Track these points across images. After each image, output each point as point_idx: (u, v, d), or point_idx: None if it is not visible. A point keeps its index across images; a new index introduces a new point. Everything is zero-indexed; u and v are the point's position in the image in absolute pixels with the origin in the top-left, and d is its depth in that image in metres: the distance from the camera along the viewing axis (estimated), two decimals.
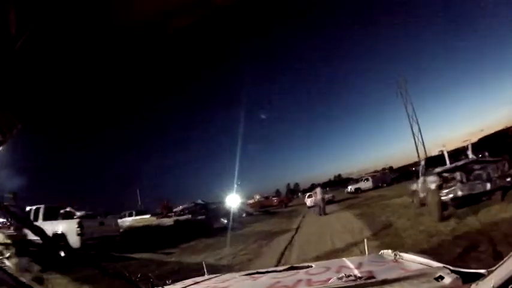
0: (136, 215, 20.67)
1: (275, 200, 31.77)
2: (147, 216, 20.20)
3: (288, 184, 60.83)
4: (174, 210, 25.44)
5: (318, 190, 17.19)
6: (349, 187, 30.10)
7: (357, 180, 32.27)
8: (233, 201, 22.26)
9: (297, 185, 59.97)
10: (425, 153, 35.01)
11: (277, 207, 29.44)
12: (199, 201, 25.20)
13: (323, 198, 16.85)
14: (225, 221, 17.51)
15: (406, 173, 30.21)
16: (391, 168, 39.94)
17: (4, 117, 0.90)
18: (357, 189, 28.58)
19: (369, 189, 27.82)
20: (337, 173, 57.81)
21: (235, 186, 22.69)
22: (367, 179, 30.14)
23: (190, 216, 17.88)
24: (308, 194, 26.32)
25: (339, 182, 50.34)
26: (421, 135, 36.09)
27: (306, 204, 25.28)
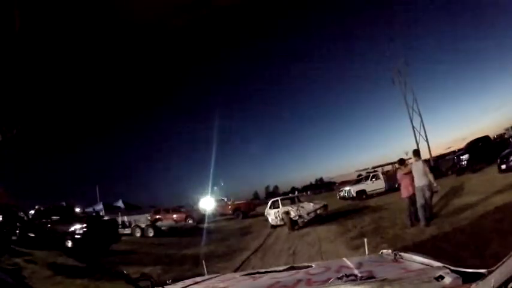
0: None
1: (229, 206, 21.28)
2: None
3: (267, 186, 58.11)
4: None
5: (419, 165, 7.38)
6: (346, 189, 19.80)
7: (357, 180, 21.56)
8: (207, 204, 19.54)
9: (276, 187, 57.63)
10: (429, 151, 31.57)
11: (230, 218, 19.74)
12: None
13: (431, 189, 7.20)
14: None
15: None
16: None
17: (4, 117, 0.91)
18: (360, 193, 18.61)
19: (379, 193, 18.36)
20: (319, 176, 55.27)
21: (210, 188, 18.91)
22: (375, 177, 19.53)
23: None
24: (272, 200, 14.54)
25: (321, 186, 48.04)
26: (424, 129, 30.58)
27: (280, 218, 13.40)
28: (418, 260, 1.40)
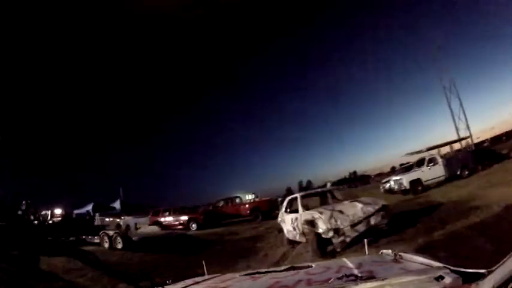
0: None
1: (246, 205, 16.53)
2: None
3: (300, 181, 55.87)
4: None
5: None
6: (396, 178, 15.09)
7: (407, 168, 16.70)
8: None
9: (309, 182, 55.65)
10: (471, 137, 24.42)
11: (249, 219, 15.58)
12: None
13: None
14: None
15: (485, 153, 18.20)
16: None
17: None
18: (415, 184, 13.84)
19: (438, 182, 14.12)
20: (352, 169, 53.12)
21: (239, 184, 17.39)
22: (432, 161, 14.60)
23: None
24: (289, 198, 8.36)
25: (355, 179, 46.81)
26: (464, 112, 25.37)
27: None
28: (418, 260, 1.40)
